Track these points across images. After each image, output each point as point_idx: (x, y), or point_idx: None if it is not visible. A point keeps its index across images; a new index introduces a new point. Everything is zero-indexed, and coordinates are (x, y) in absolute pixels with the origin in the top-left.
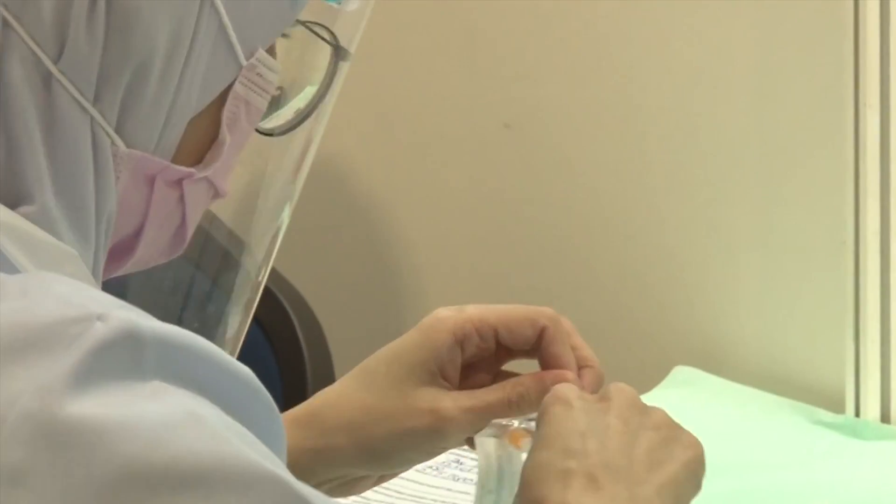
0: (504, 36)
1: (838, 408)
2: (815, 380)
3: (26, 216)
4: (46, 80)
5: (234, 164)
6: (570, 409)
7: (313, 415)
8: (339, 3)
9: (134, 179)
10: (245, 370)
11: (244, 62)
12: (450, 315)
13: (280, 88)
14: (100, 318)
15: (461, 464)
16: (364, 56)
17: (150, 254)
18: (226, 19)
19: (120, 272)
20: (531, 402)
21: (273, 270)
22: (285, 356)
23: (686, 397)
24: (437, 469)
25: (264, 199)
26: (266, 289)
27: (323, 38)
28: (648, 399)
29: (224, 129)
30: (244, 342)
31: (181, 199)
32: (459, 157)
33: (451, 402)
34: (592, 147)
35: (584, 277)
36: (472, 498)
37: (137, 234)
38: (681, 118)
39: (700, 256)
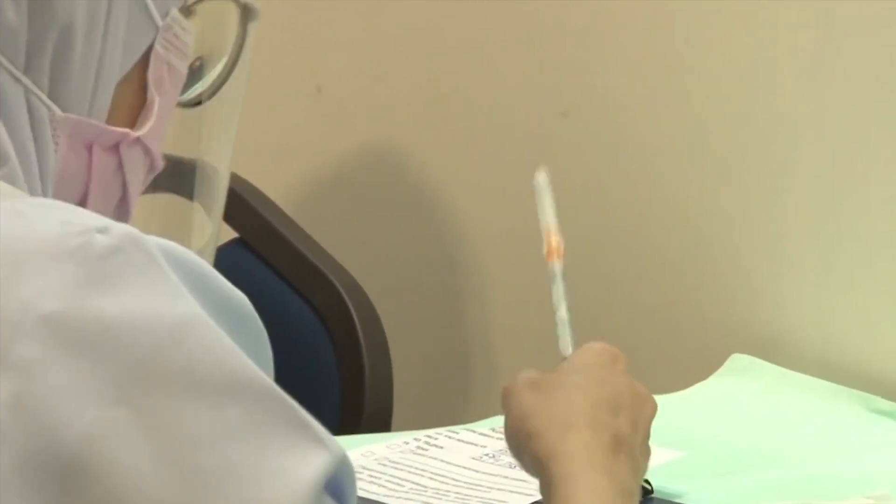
0: (562, 24)
1: None
2: (873, 368)
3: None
4: None
5: (164, 131)
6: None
7: None
8: None
9: (72, 146)
10: (239, 294)
11: (160, 23)
12: None
13: (199, 58)
14: (100, 230)
15: None
16: (423, 45)
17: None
18: None
19: None
20: None
21: (328, 257)
22: (342, 343)
23: (743, 385)
24: (494, 457)
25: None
26: (322, 275)
27: None
28: (705, 387)
29: (151, 89)
30: (301, 328)
31: (119, 166)
32: (517, 145)
33: None
34: (649, 136)
35: (642, 265)
36: (528, 486)
37: (82, 204)
38: (738, 105)
39: (758, 243)
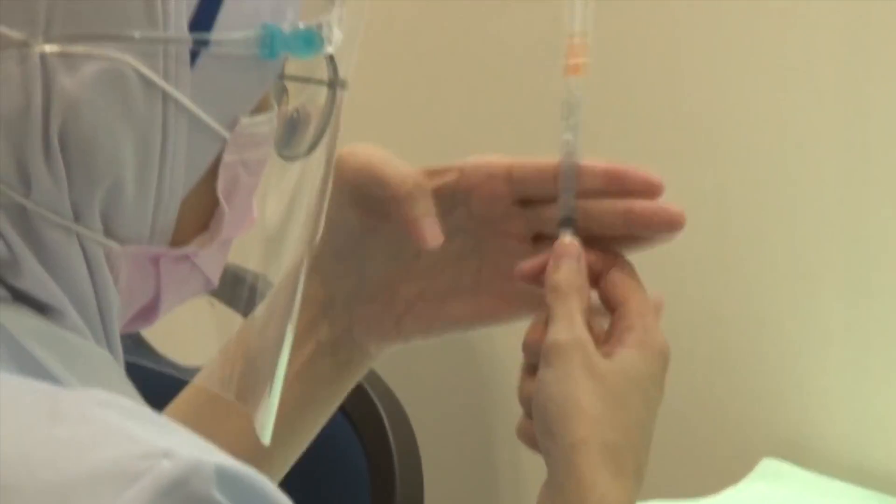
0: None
1: None
2: None
3: (53, 320)
4: (22, 211)
5: (246, 214)
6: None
7: None
8: (321, 51)
9: (136, 267)
10: None
11: (226, 135)
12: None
13: (296, 110)
14: (166, 454)
15: None
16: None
17: (173, 307)
18: (195, 109)
19: (147, 326)
20: None
21: None
22: (373, 451)
23: (773, 491)
24: None
25: (284, 228)
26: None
27: (310, 80)
28: (736, 492)
29: (221, 199)
30: (333, 436)
31: (193, 267)
32: None
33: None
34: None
35: (672, 366)
36: None
37: (154, 303)
38: (769, 206)
39: (788, 346)
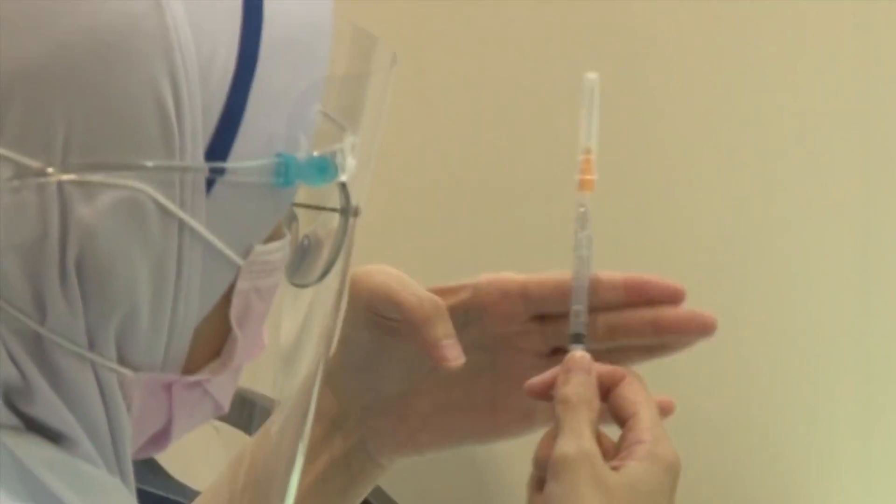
0: None
1: None
2: None
3: (65, 449)
4: (37, 338)
5: (257, 340)
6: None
7: None
8: (334, 179)
9: (149, 394)
10: None
11: (241, 263)
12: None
13: (306, 237)
14: None
15: None
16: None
17: (184, 433)
18: (210, 237)
19: (159, 452)
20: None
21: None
22: None
23: None
24: None
25: (295, 353)
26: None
27: (323, 208)
28: None
29: (234, 326)
30: None
31: (204, 393)
32: None
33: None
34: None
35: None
36: None
37: (167, 429)
38: (780, 316)
39: (800, 452)
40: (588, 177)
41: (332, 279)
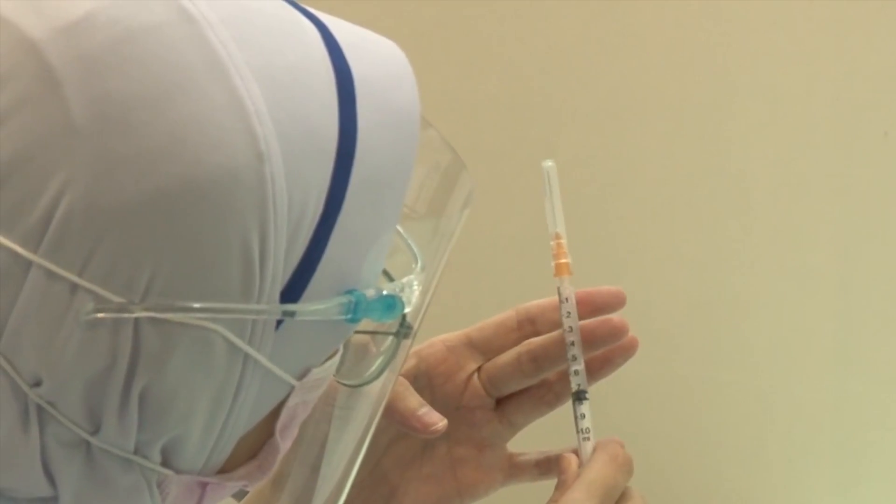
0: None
1: None
2: None
3: None
4: (86, 445)
5: (292, 441)
6: None
7: None
8: (400, 314)
9: (184, 490)
10: None
11: (296, 384)
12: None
13: (358, 348)
14: None
15: None
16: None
17: None
18: (272, 367)
19: None
20: None
21: None
22: None
23: None
24: None
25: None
26: None
27: (380, 332)
28: None
29: (277, 435)
30: None
31: (235, 486)
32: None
33: None
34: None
35: None
36: None
37: None
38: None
39: None
40: (563, 261)
41: (376, 386)
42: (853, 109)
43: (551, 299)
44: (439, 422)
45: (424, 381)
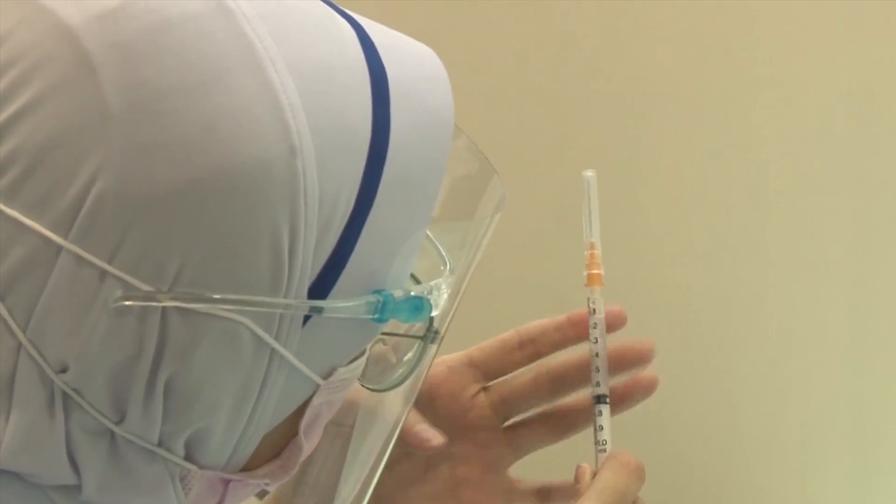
0: None
1: None
2: None
3: None
4: (111, 435)
5: (316, 442)
6: None
7: None
8: (422, 320)
9: (207, 485)
10: None
11: (322, 382)
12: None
13: (385, 352)
14: None
15: None
16: None
17: None
18: (298, 365)
19: None
20: None
21: None
22: None
23: None
24: None
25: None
26: None
27: (407, 335)
28: None
29: (301, 434)
30: None
31: (257, 485)
32: None
33: None
34: None
35: None
36: None
37: None
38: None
39: None
40: (595, 272)
41: (401, 392)
42: (869, 103)
43: (552, 319)
44: (435, 438)
45: (426, 399)
